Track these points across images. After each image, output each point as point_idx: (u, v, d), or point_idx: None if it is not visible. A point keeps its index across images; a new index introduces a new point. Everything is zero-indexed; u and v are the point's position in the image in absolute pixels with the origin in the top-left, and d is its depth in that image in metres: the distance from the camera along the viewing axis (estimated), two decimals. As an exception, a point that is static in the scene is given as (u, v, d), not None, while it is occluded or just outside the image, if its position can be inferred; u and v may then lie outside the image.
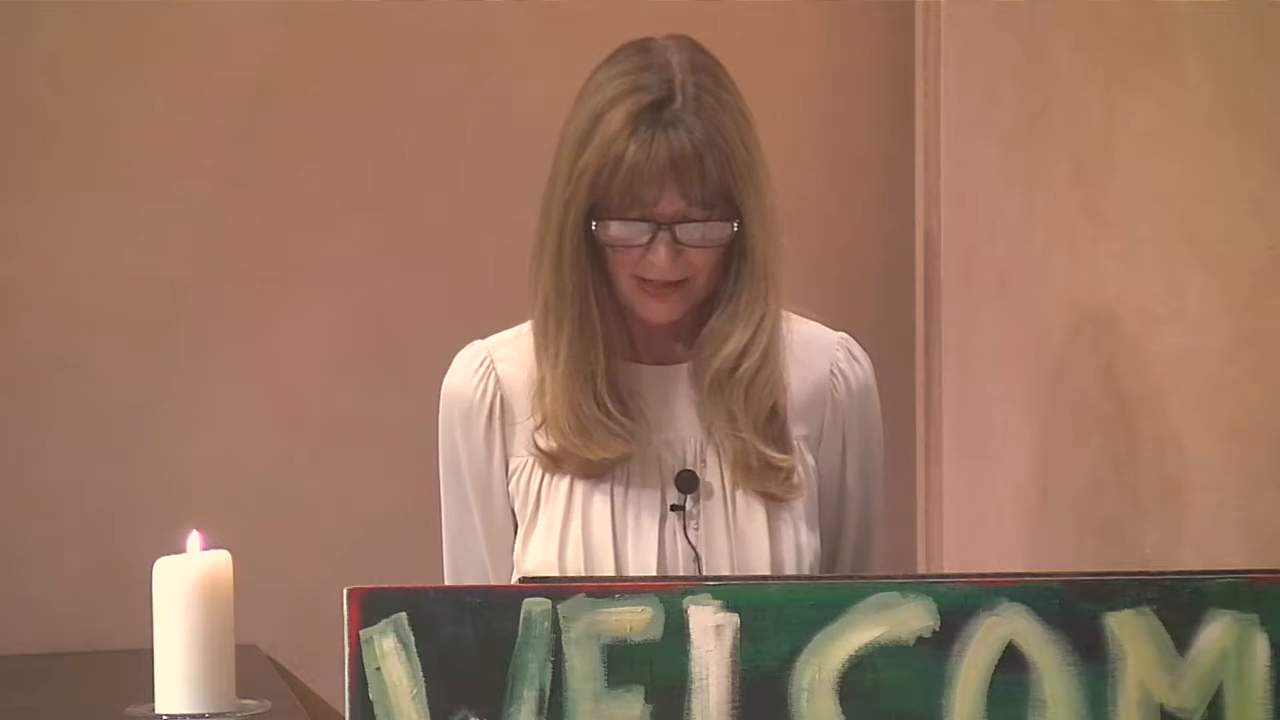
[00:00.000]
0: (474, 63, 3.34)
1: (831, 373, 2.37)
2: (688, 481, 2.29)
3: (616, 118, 2.19)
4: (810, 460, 2.34)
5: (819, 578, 2.28)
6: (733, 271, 2.26)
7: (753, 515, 2.29)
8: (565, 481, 2.30)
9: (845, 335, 2.41)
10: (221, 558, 2.16)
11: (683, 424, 2.31)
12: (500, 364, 2.34)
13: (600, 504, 2.29)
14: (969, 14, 3.21)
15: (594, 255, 2.24)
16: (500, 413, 2.33)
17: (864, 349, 2.43)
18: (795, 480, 2.31)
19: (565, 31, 3.27)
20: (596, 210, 2.21)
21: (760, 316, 2.26)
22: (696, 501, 2.29)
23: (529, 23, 3.33)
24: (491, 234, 3.27)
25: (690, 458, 2.30)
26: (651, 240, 2.20)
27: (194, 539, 2.16)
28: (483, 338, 2.38)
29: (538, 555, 2.29)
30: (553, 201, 2.25)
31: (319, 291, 3.31)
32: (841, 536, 2.40)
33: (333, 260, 3.31)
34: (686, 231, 2.20)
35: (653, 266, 2.21)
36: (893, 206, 3.43)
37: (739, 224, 2.22)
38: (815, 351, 2.37)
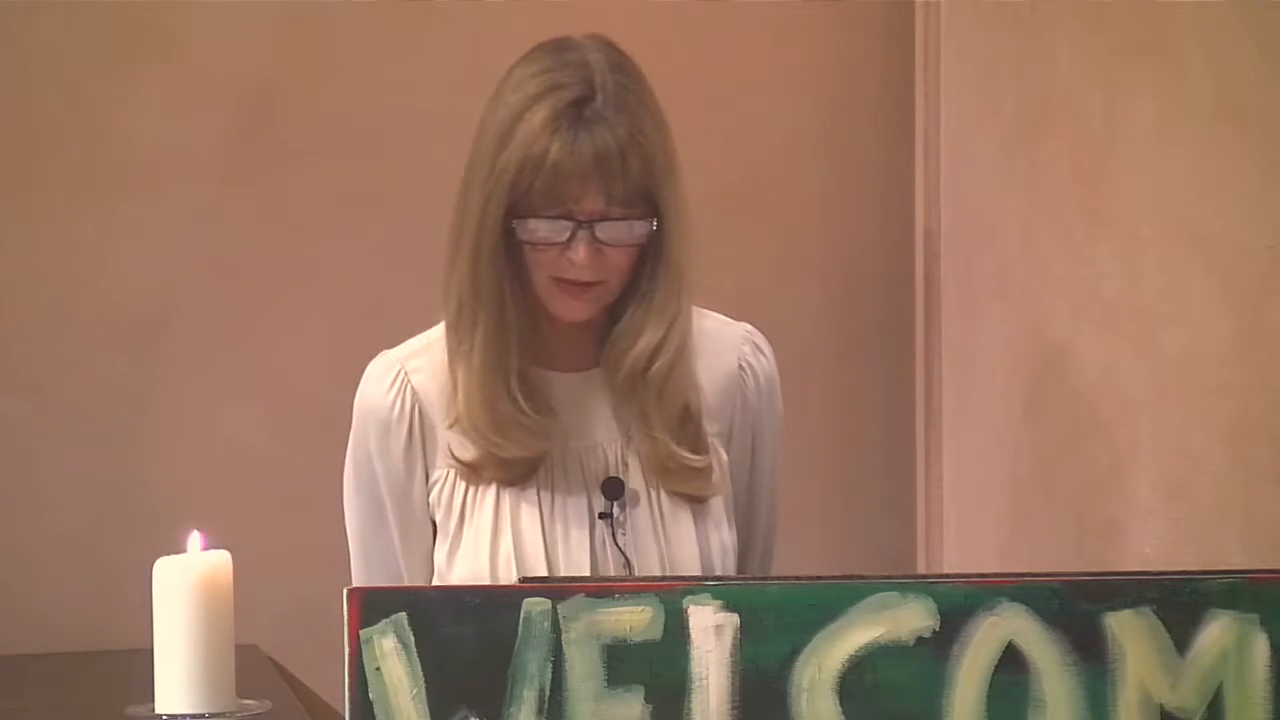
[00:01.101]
0: (474, 63, 3.33)
1: (740, 367, 2.36)
2: (613, 488, 2.28)
3: (538, 116, 2.18)
4: (724, 456, 2.34)
5: (819, 578, 2.27)
6: (647, 271, 2.25)
7: (679, 518, 2.29)
8: (491, 494, 2.28)
9: (750, 327, 2.40)
10: (221, 558, 2.15)
11: (601, 429, 2.30)
12: (415, 376, 2.32)
13: (529, 516, 2.27)
14: (969, 14, 3.21)
15: (510, 254, 2.23)
16: (420, 426, 2.31)
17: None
18: (714, 479, 2.30)
19: (565, 32, 3.27)
20: (516, 208, 2.20)
21: (673, 316, 2.25)
22: (624, 508, 2.28)
23: (529, 23, 3.33)
24: (491, 234, 3.26)
25: (613, 463, 2.29)
26: (571, 238, 2.18)
27: (194, 539, 2.16)
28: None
29: (466, 568, 2.28)
30: (470, 200, 2.23)
31: (319, 291, 3.31)
32: (754, 530, 2.41)
33: (333, 260, 3.31)
34: (606, 230, 2.18)
35: (571, 265, 2.19)
36: (893, 206, 3.43)
37: (657, 223, 2.21)
38: (721, 346, 2.36)
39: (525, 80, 2.22)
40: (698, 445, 2.30)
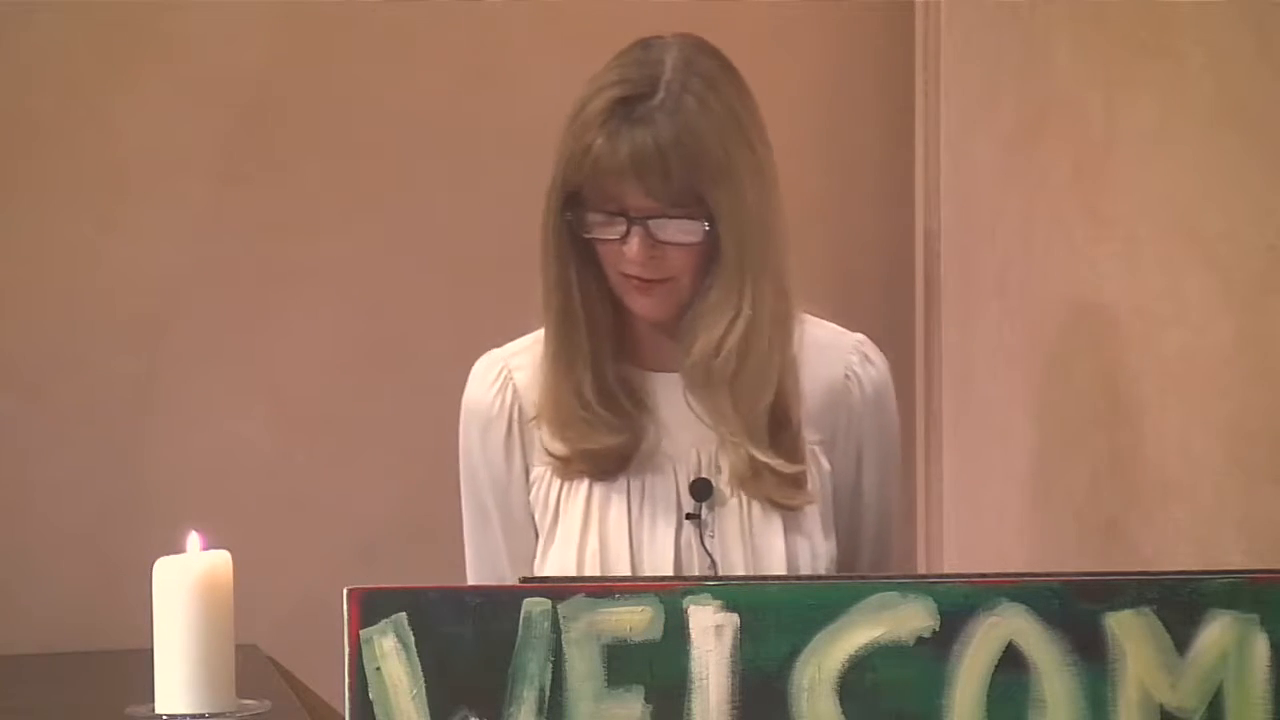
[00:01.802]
0: (474, 63, 3.34)
1: (846, 376, 2.35)
2: (702, 489, 2.28)
3: (594, 108, 2.18)
4: (825, 465, 2.33)
5: (819, 578, 2.28)
6: (708, 272, 2.24)
7: (769, 523, 2.28)
8: (583, 490, 2.29)
9: (862, 337, 2.39)
10: (221, 558, 2.16)
11: (692, 431, 2.29)
12: (517, 373, 2.33)
13: (617, 514, 2.28)
14: (969, 14, 3.21)
15: (584, 248, 2.24)
16: (520, 423, 2.32)
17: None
18: (807, 487, 2.29)
19: (566, 32, 3.27)
20: (574, 200, 2.21)
21: (731, 317, 2.23)
22: (711, 509, 2.28)
23: (529, 23, 3.33)
24: (492, 234, 3.27)
25: (704, 465, 2.29)
26: (626, 234, 2.19)
27: (194, 539, 2.16)
28: (495, 341, 2.37)
29: (555, 565, 2.29)
30: (547, 188, 2.25)
31: (319, 291, 3.31)
32: (860, 539, 2.39)
33: (333, 260, 3.31)
34: (660, 227, 2.19)
35: (629, 261, 2.20)
36: (893, 206, 3.43)
37: (711, 225, 2.20)
38: (829, 355, 2.35)
39: (602, 72, 2.23)
40: (793, 453, 2.28)
